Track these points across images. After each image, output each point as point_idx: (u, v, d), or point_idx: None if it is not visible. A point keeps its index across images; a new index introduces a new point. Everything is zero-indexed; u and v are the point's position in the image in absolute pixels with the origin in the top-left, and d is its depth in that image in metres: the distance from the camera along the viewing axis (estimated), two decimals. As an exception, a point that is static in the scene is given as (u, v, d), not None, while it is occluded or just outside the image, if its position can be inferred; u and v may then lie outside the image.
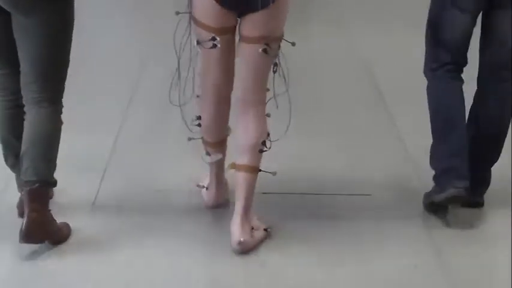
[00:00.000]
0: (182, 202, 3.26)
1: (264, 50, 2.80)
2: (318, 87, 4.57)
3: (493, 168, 3.21)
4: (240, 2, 2.76)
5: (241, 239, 2.87)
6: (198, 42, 2.85)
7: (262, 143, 2.92)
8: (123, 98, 4.24)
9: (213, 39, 2.80)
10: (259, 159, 2.93)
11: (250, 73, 2.89)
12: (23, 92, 2.85)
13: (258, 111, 2.93)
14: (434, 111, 3.15)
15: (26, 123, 2.83)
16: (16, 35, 2.75)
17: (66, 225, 2.92)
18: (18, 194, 3.00)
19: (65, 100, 2.96)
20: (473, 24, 3.05)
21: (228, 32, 2.83)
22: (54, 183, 2.87)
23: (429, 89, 3.18)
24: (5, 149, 3.01)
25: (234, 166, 2.97)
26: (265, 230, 3.00)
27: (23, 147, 2.81)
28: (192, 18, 2.84)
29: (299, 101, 4.21)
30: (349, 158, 3.68)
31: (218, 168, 3.14)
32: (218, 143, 3.08)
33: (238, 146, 2.95)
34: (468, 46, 3.09)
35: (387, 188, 3.40)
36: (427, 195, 3.17)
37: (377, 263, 2.87)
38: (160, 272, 2.80)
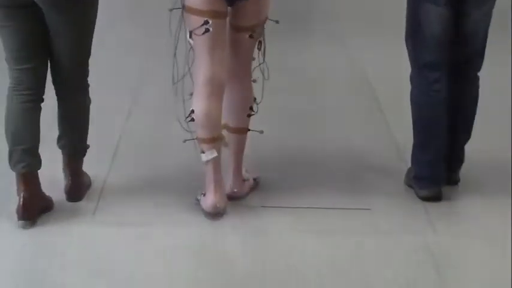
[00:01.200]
0: (183, 215, 3.24)
1: (250, 36, 3.08)
2: (317, 99, 4.57)
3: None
4: None
5: (235, 190, 3.25)
6: (191, 34, 2.98)
7: (249, 108, 3.20)
8: (122, 110, 4.24)
9: (206, 23, 2.93)
10: (247, 122, 3.22)
11: (237, 54, 3.13)
12: (56, 83, 3.11)
13: (244, 81, 3.18)
14: (417, 119, 3.31)
15: (63, 109, 3.15)
16: (52, 31, 2.97)
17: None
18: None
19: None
20: (451, 18, 3.13)
21: (219, 17, 2.96)
22: (86, 149, 3.27)
23: (412, 95, 3.31)
24: (12, 143, 3.05)
25: (225, 126, 3.19)
26: (254, 179, 3.37)
27: (63, 126, 3.18)
28: (185, 9, 2.97)
29: (299, 113, 4.33)
30: (347, 169, 3.67)
31: (215, 170, 3.10)
32: (212, 139, 3.08)
33: (229, 110, 3.17)
34: (449, 42, 3.18)
35: (387, 202, 3.39)
36: (407, 177, 3.44)
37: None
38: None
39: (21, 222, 3.02)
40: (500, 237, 3.11)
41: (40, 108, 3.09)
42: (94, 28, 3.11)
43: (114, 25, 5.51)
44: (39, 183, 3.10)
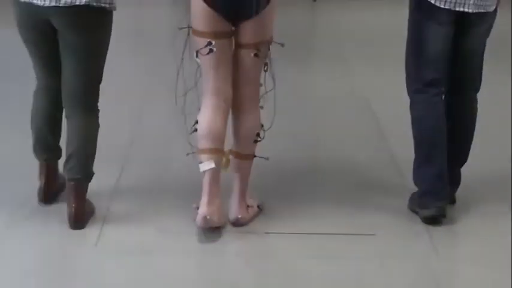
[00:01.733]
0: (185, 241, 3.22)
1: (256, 54, 3.14)
2: (319, 123, 4.62)
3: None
4: (233, 9, 3.04)
5: (239, 216, 3.23)
6: (197, 53, 3.12)
7: (256, 134, 3.23)
8: (124, 136, 4.25)
9: (209, 43, 3.07)
10: (254, 148, 3.25)
11: (244, 74, 3.18)
12: (64, 101, 3.23)
13: (252, 106, 3.22)
14: (418, 132, 3.36)
15: (70, 129, 3.24)
16: (63, 52, 3.14)
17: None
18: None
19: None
20: (451, 37, 3.25)
21: (222, 37, 3.09)
22: (92, 175, 3.30)
23: (413, 110, 3.38)
24: (36, 137, 3.35)
25: (231, 152, 3.24)
26: (258, 207, 3.37)
27: (69, 148, 3.23)
28: (191, 32, 3.14)
29: (300, 135, 4.36)
30: (350, 192, 3.67)
31: (211, 181, 3.12)
32: (211, 150, 3.13)
33: (236, 137, 3.24)
34: (448, 60, 3.28)
35: (390, 225, 3.38)
36: (411, 202, 3.44)
37: None
38: None
39: (41, 202, 3.37)
40: (503, 261, 3.09)
41: (62, 107, 3.29)
42: (106, 51, 3.22)
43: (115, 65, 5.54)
44: (57, 171, 3.42)
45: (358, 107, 4.83)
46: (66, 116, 3.28)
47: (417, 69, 3.33)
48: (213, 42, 3.07)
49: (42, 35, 3.14)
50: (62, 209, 3.31)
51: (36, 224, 3.31)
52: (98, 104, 3.29)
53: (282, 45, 3.22)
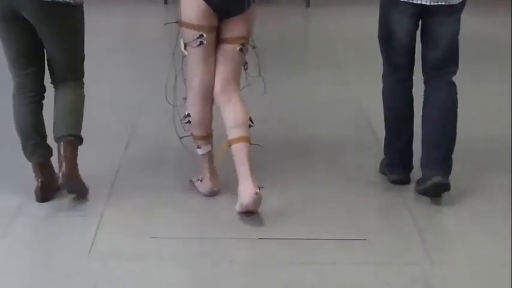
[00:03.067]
0: (179, 248, 3.23)
1: (241, 49, 3.41)
2: (312, 127, 4.66)
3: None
4: (226, 5, 3.30)
5: (257, 190, 3.27)
6: (185, 46, 3.36)
7: (249, 119, 3.44)
8: (120, 142, 4.28)
9: (200, 36, 3.31)
10: (249, 132, 3.41)
11: (229, 68, 3.43)
12: (52, 78, 3.46)
13: (237, 96, 3.45)
14: (388, 112, 3.72)
15: (57, 98, 3.46)
16: (44, 40, 3.35)
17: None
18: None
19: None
20: (416, 26, 3.55)
21: (212, 31, 3.34)
22: (81, 139, 3.46)
23: (384, 92, 3.72)
24: (23, 140, 3.46)
25: (229, 143, 3.37)
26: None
27: (56, 114, 3.43)
28: (181, 24, 3.35)
29: (295, 144, 4.39)
30: (342, 197, 3.69)
31: (209, 160, 3.55)
32: (206, 136, 3.52)
33: (231, 124, 3.39)
34: (413, 48, 3.60)
35: (383, 229, 3.41)
36: (382, 166, 3.83)
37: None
38: None
39: (39, 202, 3.45)
40: (497, 264, 3.11)
41: (42, 106, 3.48)
42: (83, 36, 3.47)
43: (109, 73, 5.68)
44: (52, 168, 3.50)
45: (351, 112, 4.87)
46: (55, 92, 3.48)
47: (386, 55, 3.67)
48: (205, 35, 3.31)
49: (23, 28, 3.30)
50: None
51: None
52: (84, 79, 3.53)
53: (254, 47, 3.50)
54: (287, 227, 3.37)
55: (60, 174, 3.34)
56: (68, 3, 3.29)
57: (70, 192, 3.45)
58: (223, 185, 3.61)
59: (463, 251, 3.27)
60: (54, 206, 3.50)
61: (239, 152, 3.34)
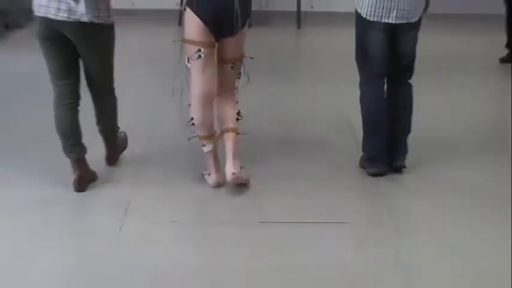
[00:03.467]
0: (191, 232, 3.61)
1: (232, 67, 4.01)
2: (303, 130, 4.96)
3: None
4: (218, 26, 3.82)
5: (235, 171, 3.88)
6: (188, 59, 3.88)
7: (237, 113, 4.07)
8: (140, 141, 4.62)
9: (199, 50, 3.83)
10: (237, 124, 4.03)
11: (224, 80, 4.03)
12: (89, 88, 4.00)
13: (231, 99, 4.08)
14: (365, 115, 4.24)
15: (96, 107, 4.08)
16: (82, 55, 3.86)
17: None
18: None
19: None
20: (387, 40, 4.10)
21: (208, 46, 3.87)
22: (117, 130, 4.25)
23: (361, 97, 4.24)
24: (63, 140, 3.96)
25: (222, 132, 4.02)
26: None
27: (100, 119, 4.11)
28: (183, 41, 3.89)
29: (286, 141, 4.75)
30: (329, 190, 4.04)
31: (214, 157, 4.06)
32: (208, 136, 4.03)
33: (223, 119, 4.05)
34: (386, 59, 4.12)
35: (362, 215, 3.76)
36: (361, 161, 4.32)
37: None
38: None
39: (77, 192, 3.93)
40: (463, 243, 3.46)
41: (78, 111, 3.97)
42: (113, 53, 3.98)
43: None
44: (87, 164, 4.01)
45: (338, 122, 5.10)
46: (92, 98, 4.05)
47: (362, 66, 4.21)
48: (202, 49, 3.83)
49: (64, 45, 3.79)
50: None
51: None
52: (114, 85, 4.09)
53: (252, 58, 4.07)
54: (283, 213, 3.75)
55: (105, 159, 4.19)
56: (102, 24, 3.77)
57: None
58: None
59: (431, 230, 3.59)
60: (86, 196, 3.91)
61: (227, 140, 3.98)
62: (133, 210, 3.80)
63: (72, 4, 3.66)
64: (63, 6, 3.67)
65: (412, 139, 4.29)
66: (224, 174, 3.97)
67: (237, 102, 4.11)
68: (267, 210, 3.85)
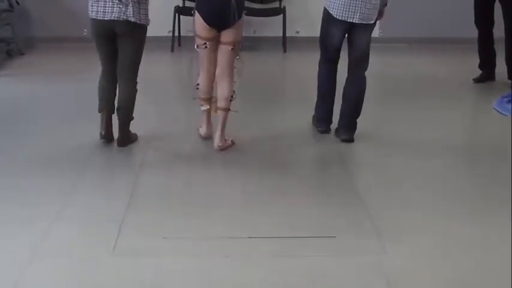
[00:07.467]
0: (186, 246, 3.55)
1: (232, 49, 4.76)
2: (286, 138, 5.16)
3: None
4: (218, 24, 4.65)
5: (220, 144, 4.83)
6: (197, 46, 4.79)
7: (233, 93, 4.83)
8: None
9: (205, 43, 4.74)
10: (230, 103, 4.84)
11: (225, 60, 4.79)
12: (118, 75, 4.85)
13: (229, 79, 4.82)
14: (319, 86, 5.19)
15: (120, 91, 4.86)
16: (120, 47, 4.80)
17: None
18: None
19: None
20: (343, 36, 4.94)
21: (212, 40, 4.74)
22: (131, 118, 4.91)
23: (319, 74, 5.17)
24: (101, 96, 4.88)
25: (217, 108, 4.84)
26: (231, 141, 4.94)
27: (121, 103, 4.85)
28: (194, 34, 4.77)
29: (272, 148, 4.91)
30: (316, 205, 4.06)
31: (207, 115, 4.99)
32: (206, 99, 4.95)
33: (220, 97, 4.82)
34: (340, 48, 5.00)
35: (347, 227, 3.74)
36: (313, 119, 5.30)
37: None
38: None
39: (102, 140, 4.86)
40: (444, 250, 3.49)
41: (116, 84, 4.87)
42: (142, 51, 4.85)
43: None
44: (111, 123, 4.88)
45: (321, 138, 5.20)
46: (119, 85, 4.86)
47: (322, 51, 5.09)
48: (207, 43, 4.73)
49: (108, 39, 4.75)
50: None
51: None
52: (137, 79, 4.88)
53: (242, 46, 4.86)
54: (271, 228, 3.72)
55: (117, 139, 4.87)
56: (143, 25, 4.76)
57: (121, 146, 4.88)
58: (221, 184, 4.39)
59: (412, 239, 3.59)
60: (85, 212, 3.86)
61: (220, 115, 4.81)
62: (126, 225, 3.74)
63: (123, 8, 4.65)
64: (116, 9, 4.65)
65: (397, 156, 4.63)
66: (212, 131, 4.96)
67: (235, 82, 4.80)
68: (257, 225, 3.80)
